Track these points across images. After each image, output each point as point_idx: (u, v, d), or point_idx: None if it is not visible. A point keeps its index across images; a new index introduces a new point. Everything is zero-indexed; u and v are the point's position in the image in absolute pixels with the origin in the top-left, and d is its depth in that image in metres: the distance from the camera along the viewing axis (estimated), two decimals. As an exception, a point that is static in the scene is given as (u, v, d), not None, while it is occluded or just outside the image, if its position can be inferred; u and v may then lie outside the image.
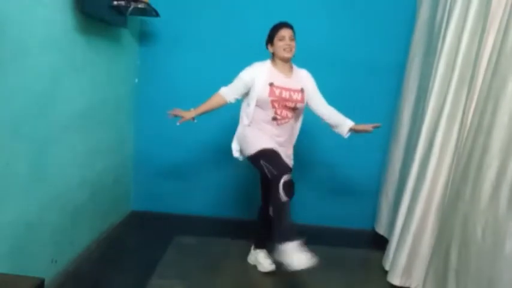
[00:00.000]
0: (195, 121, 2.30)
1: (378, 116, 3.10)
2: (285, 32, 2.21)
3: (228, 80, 3.06)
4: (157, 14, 2.65)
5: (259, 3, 3.01)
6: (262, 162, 2.09)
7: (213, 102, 2.32)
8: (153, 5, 2.57)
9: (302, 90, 2.26)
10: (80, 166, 2.31)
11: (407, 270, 2.27)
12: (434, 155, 2.12)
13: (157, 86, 3.11)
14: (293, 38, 2.23)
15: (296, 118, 2.35)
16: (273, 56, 2.27)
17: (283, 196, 1.99)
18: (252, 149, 2.19)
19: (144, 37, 3.05)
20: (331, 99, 3.10)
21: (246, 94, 2.29)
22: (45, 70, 1.87)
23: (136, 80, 3.08)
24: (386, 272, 2.49)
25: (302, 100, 2.27)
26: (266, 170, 2.06)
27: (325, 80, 3.02)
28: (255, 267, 2.49)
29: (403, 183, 2.52)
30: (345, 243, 2.97)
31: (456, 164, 2.05)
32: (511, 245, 1.53)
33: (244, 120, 2.32)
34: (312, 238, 2.96)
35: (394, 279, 2.31)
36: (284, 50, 2.20)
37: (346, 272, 2.56)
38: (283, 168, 2.06)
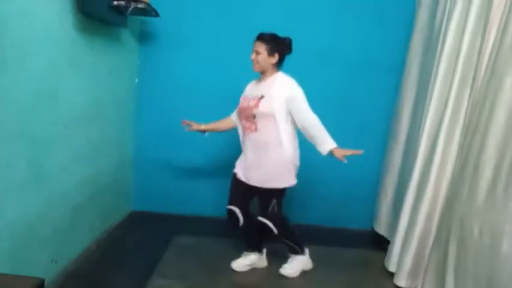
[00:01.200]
0: (206, 134, 2.45)
1: (377, 116, 3.12)
2: (254, 45, 2.19)
3: (228, 80, 3.07)
4: (157, 14, 2.65)
5: (260, 3, 3.00)
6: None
7: (220, 122, 2.45)
8: (153, 5, 2.57)
9: (261, 97, 2.16)
10: (80, 166, 2.31)
11: (413, 271, 2.26)
12: (438, 155, 2.11)
13: (157, 86, 3.11)
14: (259, 51, 2.14)
15: (264, 129, 2.17)
16: None
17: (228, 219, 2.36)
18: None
19: (144, 37, 3.05)
20: (331, 99, 3.12)
21: None
22: (45, 70, 1.87)
23: (136, 80, 3.08)
24: (386, 272, 2.49)
25: (256, 105, 2.15)
26: None
27: (325, 80, 3.03)
28: (254, 267, 2.49)
29: (403, 183, 2.52)
30: (344, 243, 2.97)
31: (454, 164, 2.05)
32: (507, 245, 1.53)
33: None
34: (311, 238, 2.98)
35: (400, 281, 2.31)
36: (253, 63, 2.21)
37: (346, 272, 2.56)
38: (230, 199, 2.36)
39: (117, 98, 2.78)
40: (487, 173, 1.68)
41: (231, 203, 2.35)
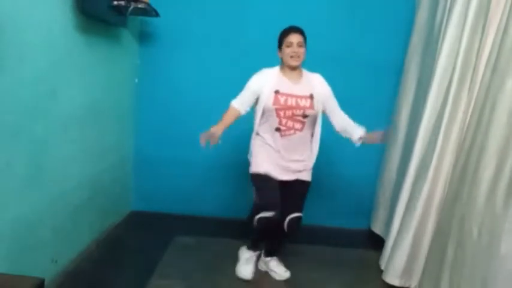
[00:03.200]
0: (220, 142, 2.13)
1: (376, 115, 3.10)
2: (292, 38, 2.09)
3: (228, 80, 3.06)
4: (157, 14, 2.65)
5: (260, 3, 3.01)
6: (254, 186, 2.21)
7: (229, 118, 2.19)
8: (153, 5, 2.57)
9: (311, 96, 2.14)
10: (80, 166, 2.31)
11: (407, 270, 2.27)
12: (435, 155, 2.11)
13: (157, 86, 3.11)
14: (302, 43, 2.10)
15: (308, 127, 2.19)
16: (282, 62, 2.18)
17: (255, 224, 2.15)
18: (253, 166, 2.23)
19: (144, 37, 3.05)
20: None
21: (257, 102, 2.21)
22: (45, 70, 1.87)
23: (136, 80, 3.08)
24: (383, 272, 2.49)
25: (311, 106, 2.13)
26: (254, 196, 2.20)
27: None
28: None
29: (401, 183, 2.52)
30: (341, 243, 2.97)
31: (455, 164, 2.05)
32: (506, 245, 1.53)
33: (255, 127, 2.24)
34: (308, 238, 2.99)
35: (394, 279, 2.31)
36: (291, 57, 2.09)
37: (343, 271, 2.56)
38: (266, 203, 2.12)
39: (117, 98, 2.78)
40: (488, 173, 1.68)
41: (274, 207, 2.11)
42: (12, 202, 1.72)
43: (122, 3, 2.37)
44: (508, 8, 1.72)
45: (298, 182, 2.24)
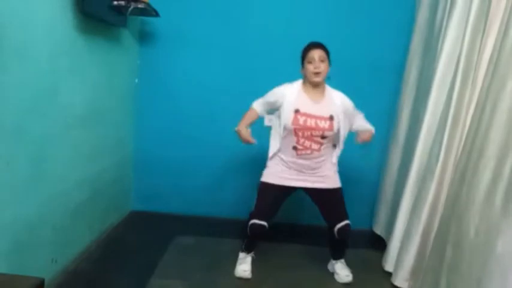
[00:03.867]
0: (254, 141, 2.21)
1: (377, 115, 3.10)
2: (314, 53, 2.08)
3: (228, 80, 3.07)
4: (157, 14, 2.65)
5: (260, 3, 3.01)
6: (257, 194, 2.28)
7: (251, 117, 2.27)
8: (153, 5, 2.57)
9: (331, 118, 2.13)
10: (80, 166, 2.31)
11: (415, 272, 2.26)
12: (441, 156, 2.10)
13: (157, 86, 3.11)
14: (324, 58, 2.09)
15: (326, 147, 2.21)
16: (305, 79, 2.17)
17: (248, 232, 2.26)
18: (264, 176, 2.28)
19: (144, 37, 3.05)
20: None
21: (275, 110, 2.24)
22: (45, 70, 1.87)
23: (136, 80, 3.08)
24: (385, 273, 2.49)
25: (331, 128, 2.12)
26: (255, 202, 2.27)
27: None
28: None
29: (402, 184, 2.51)
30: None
31: (456, 165, 2.05)
32: (502, 245, 1.53)
33: (273, 144, 2.24)
34: (309, 238, 2.99)
35: (401, 282, 2.31)
36: (313, 74, 2.08)
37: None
38: (261, 212, 2.22)
39: (117, 98, 2.78)
40: (487, 174, 1.68)
41: (265, 218, 2.22)
42: (12, 202, 1.72)
43: (122, 3, 2.37)
44: (508, 9, 1.72)
45: (327, 191, 2.26)
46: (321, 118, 2.12)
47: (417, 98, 2.59)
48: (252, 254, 2.49)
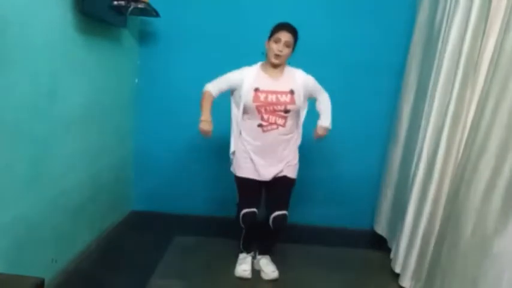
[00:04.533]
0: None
1: (377, 115, 3.12)
2: (282, 35, 2.08)
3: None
4: (157, 14, 2.65)
5: (260, 2, 3.01)
6: (237, 188, 2.33)
7: (209, 103, 2.22)
8: (153, 5, 2.57)
9: (292, 92, 2.14)
10: (80, 166, 2.31)
11: (417, 272, 2.26)
12: (440, 156, 2.10)
13: (157, 86, 3.11)
14: (290, 44, 2.10)
15: (291, 123, 2.20)
16: (266, 56, 2.17)
17: (241, 224, 2.30)
18: (235, 170, 2.30)
19: (144, 37, 3.05)
20: (331, 98, 3.10)
21: (231, 94, 2.25)
22: (45, 70, 1.87)
23: (137, 80, 3.08)
24: (386, 272, 2.49)
25: (292, 101, 2.14)
26: (237, 196, 2.32)
27: (324, 80, 3.01)
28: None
29: (402, 184, 2.51)
30: (344, 243, 2.97)
31: (458, 165, 2.05)
32: (498, 245, 1.53)
33: (234, 128, 2.26)
34: (310, 238, 2.99)
35: (405, 281, 2.31)
36: (275, 55, 2.09)
37: (346, 272, 2.56)
38: (246, 202, 2.26)
39: (117, 98, 2.78)
40: (486, 174, 1.68)
41: (254, 204, 2.26)
42: (13, 202, 1.72)
43: (122, 3, 2.37)
44: (509, 9, 1.72)
45: (282, 179, 2.26)
46: (281, 93, 2.13)
47: (417, 98, 2.59)
48: (251, 253, 2.49)
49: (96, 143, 2.48)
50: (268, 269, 2.39)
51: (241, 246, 2.48)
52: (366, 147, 3.17)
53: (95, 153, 2.48)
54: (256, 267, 2.46)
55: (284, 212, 2.24)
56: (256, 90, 2.13)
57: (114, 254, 2.54)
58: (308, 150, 3.13)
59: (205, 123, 2.15)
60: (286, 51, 2.10)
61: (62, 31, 1.97)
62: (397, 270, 2.43)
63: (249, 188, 2.28)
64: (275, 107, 2.13)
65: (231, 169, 2.35)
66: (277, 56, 2.09)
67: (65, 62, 2.03)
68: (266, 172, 2.23)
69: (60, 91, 2.01)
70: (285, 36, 2.08)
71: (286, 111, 2.14)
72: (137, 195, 3.25)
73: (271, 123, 2.16)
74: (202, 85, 3.08)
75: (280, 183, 2.26)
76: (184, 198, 3.23)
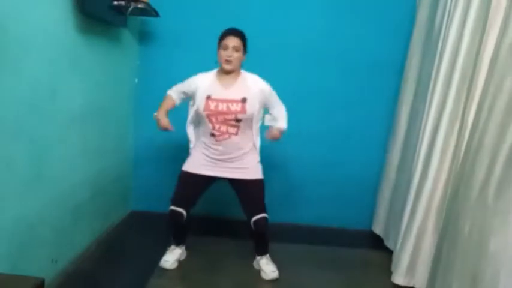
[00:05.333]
0: (173, 129, 2.25)
1: (376, 115, 3.12)
2: (229, 41, 2.08)
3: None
4: (157, 14, 2.65)
5: (260, 3, 3.00)
6: (177, 181, 2.31)
7: (168, 104, 2.30)
8: (153, 5, 2.57)
9: (244, 100, 2.11)
10: (80, 166, 2.31)
11: (411, 269, 2.27)
12: (436, 154, 2.12)
13: (157, 86, 3.09)
14: (239, 48, 2.09)
15: (244, 131, 2.17)
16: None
17: (169, 219, 2.31)
18: (185, 164, 2.32)
19: (144, 37, 3.05)
20: (330, 99, 3.11)
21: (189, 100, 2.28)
22: (45, 70, 1.87)
23: (136, 80, 3.08)
24: (385, 272, 2.49)
25: (243, 110, 2.10)
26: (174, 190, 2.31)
27: (324, 80, 3.03)
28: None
29: (401, 184, 2.51)
30: (342, 244, 2.97)
31: (456, 163, 2.05)
32: (494, 243, 1.54)
33: (190, 137, 2.31)
34: (308, 238, 2.99)
35: (398, 278, 2.32)
36: (225, 61, 2.09)
37: (345, 272, 2.56)
38: (179, 199, 2.27)
39: (117, 97, 2.78)
40: (481, 172, 1.69)
41: (182, 205, 2.27)
42: (13, 202, 1.72)
43: (122, 3, 2.37)
44: (508, 9, 1.72)
45: (249, 183, 2.24)
46: (232, 101, 2.11)
47: (417, 98, 2.59)
48: (182, 247, 2.49)
49: (96, 143, 2.48)
50: (268, 268, 2.39)
51: (172, 237, 2.48)
52: (365, 147, 3.17)
53: (95, 153, 2.48)
54: (256, 267, 2.47)
55: (263, 214, 2.23)
56: (208, 98, 2.13)
57: (114, 254, 2.54)
58: (308, 150, 3.14)
59: (158, 118, 2.21)
60: (236, 55, 2.09)
61: (62, 31, 1.97)
62: (391, 268, 2.45)
63: (189, 186, 2.27)
64: (225, 116, 2.11)
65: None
66: (227, 61, 2.09)
67: (65, 62, 2.03)
68: (221, 168, 2.22)
69: (60, 91, 2.00)
70: (231, 41, 2.09)
71: (237, 120, 2.12)
72: (137, 195, 3.25)
73: (222, 133, 2.15)
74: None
75: (249, 187, 2.25)
76: (184, 198, 3.23)
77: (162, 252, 2.57)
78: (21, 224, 1.79)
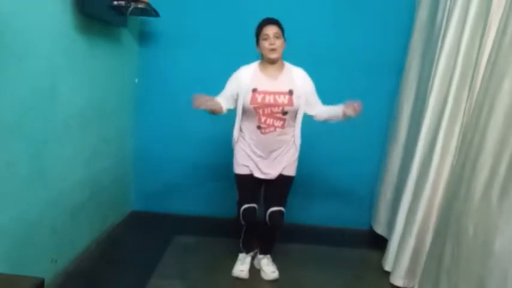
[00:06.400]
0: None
1: (376, 115, 3.12)
2: (268, 30, 2.04)
3: (227, 80, 3.04)
4: (157, 14, 2.65)
5: (260, 3, 3.00)
6: (236, 185, 2.31)
7: (218, 104, 2.17)
8: (153, 5, 2.57)
9: (290, 92, 2.09)
10: (80, 166, 2.31)
11: (411, 271, 2.27)
12: (436, 155, 2.11)
13: (157, 86, 3.11)
14: (279, 35, 2.05)
15: (290, 123, 2.16)
16: (262, 57, 2.14)
17: (241, 220, 2.28)
18: (235, 168, 2.30)
19: (144, 37, 3.05)
20: (330, 98, 3.09)
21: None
22: (45, 70, 1.87)
23: (136, 80, 3.08)
24: (385, 272, 2.49)
25: (290, 103, 2.08)
26: (237, 194, 2.32)
27: (324, 80, 3.01)
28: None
29: (402, 183, 2.51)
30: (343, 243, 2.97)
31: (455, 164, 2.05)
32: (500, 244, 1.54)
33: (235, 130, 2.24)
34: (309, 238, 2.99)
35: (397, 280, 2.31)
36: (269, 50, 2.04)
37: (345, 271, 2.56)
38: (246, 198, 2.26)
39: (117, 97, 2.78)
40: (484, 173, 1.68)
41: (253, 200, 2.25)
42: (13, 202, 1.72)
43: (122, 3, 2.37)
44: (508, 9, 1.72)
45: (281, 177, 2.24)
46: (279, 93, 2.08)
47: (417, 97, 2.59)
48: (251, 254, 2.49)
49: (96, 143, 2.48)
50: (268, 269, 2.39)
51: (240, 245, 2.48)
52: (366, 147, 3.17)
53: (94, 153, 2.48)
54: (257, 266, 2.47)
55: (281, 208, 2.23)
56: (254, 91, 2.09)
57: (114, 254, 2.54)
58: (308, 149, 3.13)
59: (197, 97, 2.06)
60: (278, 42, 2.05)
61: (62, 31, 1.97)
62: (388, 268, 2.46)
63: (248, 185, 2.27)
64: (273, 109, 2.08)
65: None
66: (272, 50, 2.05)
67: (65, 62, 2.03)
68: (266, 171, 2.22)
69: (59, 91, 2.00)
70: (271, 29, 2.05)
71: (284, 112, 2.10)
72: (137, 195, 3.25)
73: (269, 126, 2.12)
74: (202, 85, 3.07)
75: (279, 180, 2.25)
76: (184, 198, 3.23)
77: (162, 252, 2.58)
78: (21, 223, 1.79)
